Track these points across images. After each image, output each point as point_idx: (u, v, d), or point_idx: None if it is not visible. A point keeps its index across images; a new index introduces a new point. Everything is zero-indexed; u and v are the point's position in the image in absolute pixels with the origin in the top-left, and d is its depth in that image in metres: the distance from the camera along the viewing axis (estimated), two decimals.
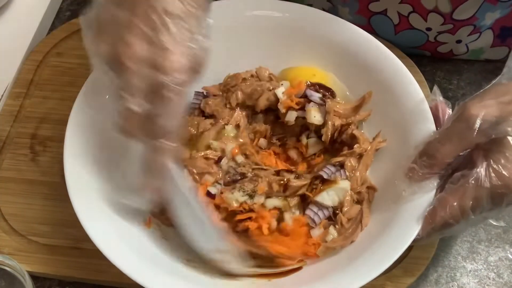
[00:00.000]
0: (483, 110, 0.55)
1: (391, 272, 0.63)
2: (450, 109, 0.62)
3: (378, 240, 0.58)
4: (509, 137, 0.55)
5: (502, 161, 0.55)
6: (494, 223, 0.69)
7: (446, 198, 0.56)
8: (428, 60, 0.81)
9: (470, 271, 0.66)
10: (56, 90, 0.77)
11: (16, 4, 0.85)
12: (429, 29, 0.76)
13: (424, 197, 0.58)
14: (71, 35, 0.81)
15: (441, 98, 0.62)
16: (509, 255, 0.67)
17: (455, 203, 0.55)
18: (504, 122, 0.54)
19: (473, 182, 0.55)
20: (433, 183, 0.58)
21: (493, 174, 0.54)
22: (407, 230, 0.56)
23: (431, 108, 0.63)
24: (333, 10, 0.80)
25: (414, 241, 0.56)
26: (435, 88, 0.63)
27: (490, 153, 0.55)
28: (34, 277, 0.63)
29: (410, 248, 0.64)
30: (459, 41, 0.77)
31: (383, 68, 0.67)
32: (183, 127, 0.56)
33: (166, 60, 0.50)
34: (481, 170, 0.55)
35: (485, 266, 0.66)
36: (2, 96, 0.77)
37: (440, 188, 0.58)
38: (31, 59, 0.80)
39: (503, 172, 0.54)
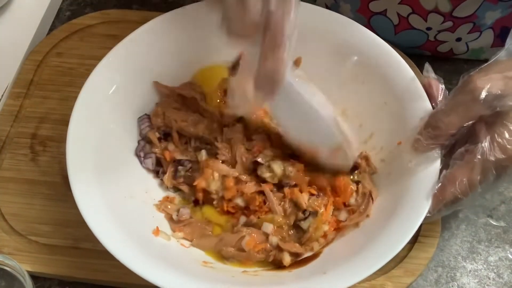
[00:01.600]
0: (489, 82, 0.55)
1: (391, 272, 0.63)
2: (443, 85, 0.63)
3: (388, 223, 0.58)
4: None
5: (506, 134, 0.56)
6: (494, 223, 0.69)
7: (454, 174, 0.57)
8: (428, 60, 0.80)
9: (470, 271, 0.66)
10: (56, 90, 0.77)
11: (16, 4, 0.85)
12: (429, 28, 0.76)
13: (430, 171, 0.58)
14: (71, 35, 0.81)
15: (433, 74, 0.63)
16: (509, 255, 0.67)
17: (465, 179, 0.56)
18: (509, 96, 0.55)
19: (479, 157, 0.56)
20: (438, 153, 0.59)
21: (497, 148, 0.56)
22: (417, 209, 0.57)
23: (424, 85, 0.63)
24: (335, 6, 0.80)
25: (424, 219, 0.57)
26: (427, 65, 0.64)
27: (494, 126, 0.56)
28: (34, 277, 0.63)
29: (410, 248, 0.64)
30: (459, 39, 0.77)
31: (370, 53, 0.68)
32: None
33: None
34: (485, 144, 0.56)
35: (485, 266, 0.66)
36: (2, 96, 0.77)
37: (445, 165, 0.58)
38: (31, 59, 0.80)
39: (507, 145, 0.55)
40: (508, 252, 0.67)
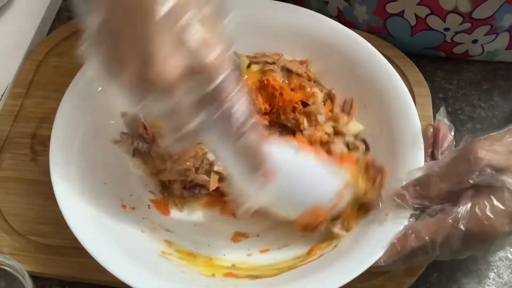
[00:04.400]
0: (491, 155, 0.54)
1: (391, 272, 0.63)
2: (453, 132, 0.62)
3: (335, 262, 0.57)
4: (505, 189, 0.53)
5: (488, 210, 0.53)
6: None
7: (419, 228, 0.55)
8: (428, 60, 0.81)
9: (470, 271, 0.66)
10: (56, 90, 0.77)
11: (16, 4, 0.85)
12: (447, 29, 0.75)
13: (395, 222, 0.56)
14: (71, 35, 0.81)
15: (445, 120, 0.61)
16: (509, 255, 0.67)
17: (427, 237, 0.54)
18: (507, 172, 0.53)
19: (450, 221, 0.54)
20: (417, 213, 0.57)
21: (472, 219, 0.53)
22: (368, 255, 0.55)
23: (433, 128, 0.62)
24: (349, 9, 0.79)
25: (376, 267, 0.55)
26: (442, 109, 0.62)
27: (479, 196, 0.54)
28: (34, 277, 0.63)
29: None
30: (475, 41, 0.77)
31: (378, 79, 0.67)
32: None
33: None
34: (462, 210, 0.53)
35: (485, 266, 0.66)
36: (2, 96, 0.77)
37: (415, 215, 0.57)
38: (31, 59, 0.80)
39: (484, 221, 0.53)
40: (508, 252, 0.67)
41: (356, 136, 0.66)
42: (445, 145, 0.61)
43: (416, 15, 0.75)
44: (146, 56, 0.43)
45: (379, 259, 0.55)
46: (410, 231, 0.55)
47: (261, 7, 0.71)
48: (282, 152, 0.58)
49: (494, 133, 0.56)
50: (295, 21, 0.70)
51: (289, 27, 0.70)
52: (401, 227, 0.56)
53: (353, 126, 0.66)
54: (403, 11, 0.75)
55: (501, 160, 0.54)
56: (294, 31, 0.70)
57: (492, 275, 0.66)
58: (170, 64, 0.43)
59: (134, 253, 0.59)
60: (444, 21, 0.74)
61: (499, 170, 0.53)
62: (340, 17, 0.81)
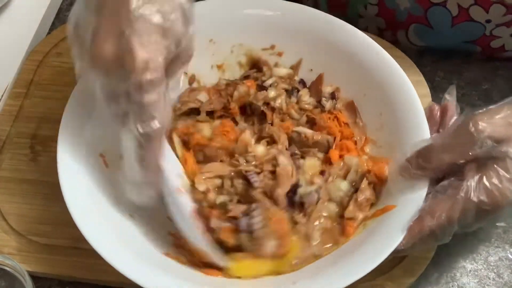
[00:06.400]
0: (491, 127, 0.54)
1: (391, 272, 0.63)
2: (458, 114, 0.62)
3: (357, 249, 0.57)
4: (508, 159, 0.54)
5: (495, 179, 0.54)
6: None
7: (434, 208, 0.55)
8: (428, 60, 0.81)
9: (470, 271, 0.66)
10: (56, 90, 0.77)
11: (16, 4, 0.85)
12: (488, 21, 0.74)
13: (412, 202, 0.57)
14: None
15: (454, 100, 0.61)
16: (509, 255, 0.67)
17: (444, 214, 0.55)
18: (507, 142, 0.54)
19: (462, 195, 0.54)
20: (424, 185, 0.57)
21: (483, 190, 0.54)
22: (388, 241, 0.55)
23: (441, 107, 0.62)
24: None
25: (397, 252, 0.55)
26: (452, 87, 0.62)
27: (484, 167, 0.55)
28: (34, 277, 0.63)
29: None
30: None
31: (377, 68, 0.67)
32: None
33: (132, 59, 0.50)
34: (471, 183, 0.54)
35: (485, 266, 0.66)
36: (2, 96, 0.77)
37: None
38: (31, 59, 0.80)
39: (494, 191, 0.54)
40: (508, 252, 0.67)
41: (290, 79, 0.70)
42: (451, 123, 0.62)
43: (459, 5, 0.73)
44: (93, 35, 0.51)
45: (399, 244, 0.55)
46: (425, 212, 0.55)
47: (265, 6, 0.72)
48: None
49: (493, 106, 0.57)
50: (297, 20, 0.70)
51: (291, 26, 0.71)
52: (416, 210, 0.56)
53: (279, 70, 0.71)
54: (446, 1, 0.74)
55: (501, 131, 0.54)
56: (297, 29, 0.70)
57: (492, 275, 0.66)
58: (105, 47, 0.50)
59: (143, 253, 0.59)
60: (487, 12, 0.73)
61: (500, 141, 0.54)
62: (380, 4, 0.79)
